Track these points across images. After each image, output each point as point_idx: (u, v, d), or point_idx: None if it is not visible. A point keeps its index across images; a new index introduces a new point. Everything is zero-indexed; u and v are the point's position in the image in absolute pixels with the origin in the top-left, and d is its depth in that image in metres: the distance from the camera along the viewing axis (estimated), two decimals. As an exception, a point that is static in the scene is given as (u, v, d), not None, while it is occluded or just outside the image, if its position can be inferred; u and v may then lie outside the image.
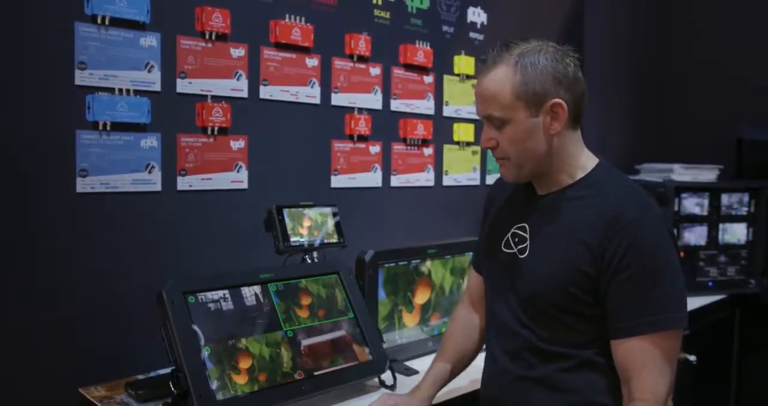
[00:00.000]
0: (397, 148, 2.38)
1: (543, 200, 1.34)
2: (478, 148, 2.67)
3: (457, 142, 2.58)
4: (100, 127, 1.63)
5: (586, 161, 1.33)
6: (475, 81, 2.61)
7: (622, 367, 1.21)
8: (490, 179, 2.67)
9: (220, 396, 1.36)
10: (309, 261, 1.81)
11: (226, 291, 1.49)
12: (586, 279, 1.22)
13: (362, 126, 2.22)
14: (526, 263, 1.31)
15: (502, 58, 1.26)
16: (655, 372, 1.18)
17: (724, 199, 2.93)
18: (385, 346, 1.71)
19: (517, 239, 1.35)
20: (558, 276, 1.25)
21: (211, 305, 1.45)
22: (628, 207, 1.23)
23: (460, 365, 1.54)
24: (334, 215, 1.85)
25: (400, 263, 1.87)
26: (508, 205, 1.43)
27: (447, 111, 2.54)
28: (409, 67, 2.39)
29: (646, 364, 1.18)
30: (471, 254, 1.76)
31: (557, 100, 1.23)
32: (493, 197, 1.52)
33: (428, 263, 1.95)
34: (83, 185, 1.62)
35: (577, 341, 1.27)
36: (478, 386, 1.49)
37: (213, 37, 1.83)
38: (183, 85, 1.78)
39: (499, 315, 1.37)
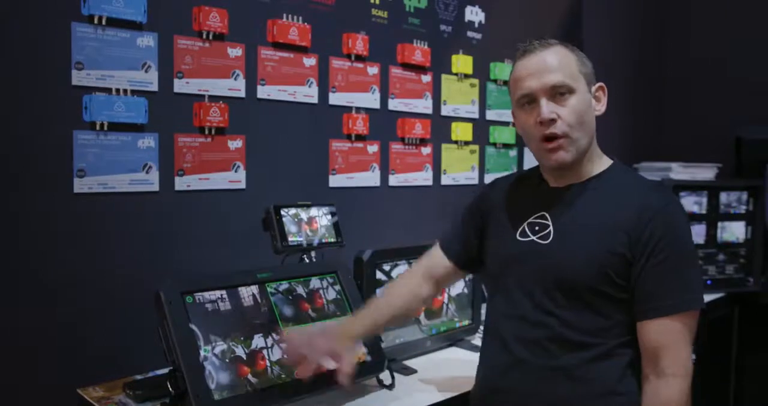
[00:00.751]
0: (396, 147, 2.38)
1: (564, 191, 1.37)
2: (476, 147, 2.67)
3: (455, 142, 2.58)
4: (98, 128, 1.63)
5: (602, 156, 1.41)
6: (474, 80, 2.63)
7: (651, 346, 1.27)
8: (488, 178, 2.67)
9: (217, 396, 1.35)
10: (307, 261, 1.81)
11: (224, 291, 1.49)
12: (622, 262, 1.27)
13: (360, 125, 2.22)
14: (554, 249, 1.33)
15: (549, 44, 1.34)
16: (684, 349, 1.26)
17: (723, 197, 2.93)
18: (383, 345, 1.71)
19: (537, 228, 1.36)
20: (596, 259, 1.28)
21: (209, 305, 1.45)
22: (654, 196, 1.31)
23: (391, 322, 1.55)
24: (332, 214, 1.85)
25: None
26: (516, 201, 1.44)
27: (445, 110, 2.54)
28: (407, 66, 2.39)
29: (677, 342, 1.25)
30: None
31: (601, 84, 1.36)
32: (487, 198, 1.52)
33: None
34: (80, 186, 1.61)
35: (602, 327, 1.29)
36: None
37: (210, 37, 1.83)
38: (180, 85, 1.78)
39: (515, 304, 1.36)
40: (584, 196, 1.35)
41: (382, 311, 1.51)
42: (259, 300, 1.54)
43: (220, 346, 1.42)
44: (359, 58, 2.23)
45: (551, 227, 1.34)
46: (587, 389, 1.29)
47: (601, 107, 1.36)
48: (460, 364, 1.85)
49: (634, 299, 1.28)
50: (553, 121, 1.29)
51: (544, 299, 1.32)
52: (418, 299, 1.55)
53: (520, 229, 1.39)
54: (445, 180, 2.56)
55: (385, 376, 1.67)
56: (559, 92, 1.30)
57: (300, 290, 1.63)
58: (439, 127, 2.52)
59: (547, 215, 1.36)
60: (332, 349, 1.36)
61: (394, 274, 1.85)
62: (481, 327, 1.59)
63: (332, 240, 1.83)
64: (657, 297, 1.26)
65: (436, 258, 1.55)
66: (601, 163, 1.39)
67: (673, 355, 1.25)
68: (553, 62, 1.31)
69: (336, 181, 2.19)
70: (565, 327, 1.30)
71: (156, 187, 1.75)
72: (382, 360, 1.66)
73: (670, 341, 1.25)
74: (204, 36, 1.82)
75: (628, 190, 1.34)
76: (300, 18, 2.04)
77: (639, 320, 1.28)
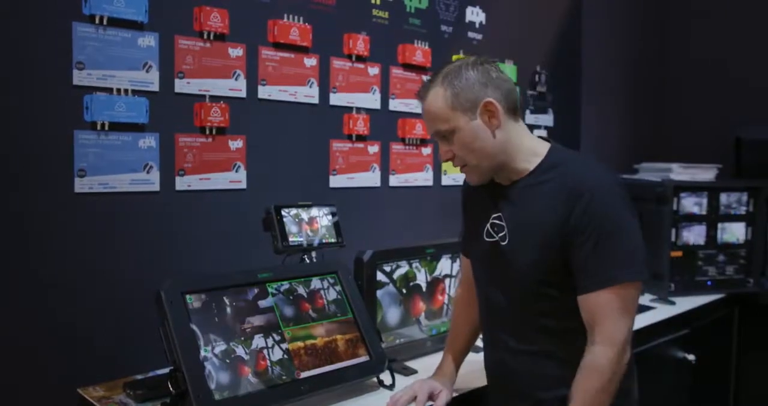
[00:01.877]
0: (396, 147, 2.38)
1: (509, 189, 1.44)
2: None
3: (456, 142, 2.58)
4: (99, 128, 1.63)
5: (537, 147, 1.44)
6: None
7: (586, 318, 1.34)
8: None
9: (218, 396, 1.35)
10: (308, 261, 1.81)
11: (224, 291, 1.49)
12: (558, 253, 1.35)
13: (361, 126, 2.22)
14: (509, 251, 1.42)
15: (432, 82, 1.40)
16: (614, 320, 1.32)
17: (723, 198, 2.93)
18: (383, 346, 1.71)
19: (496, 228, 1.45)
20: (540, 257, 1.37)
21: (210, 305, 1.45)
22: (585, 177, 1.36)
23: (471, 340, 1.68)
24: (333, 214, 1.85)
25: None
26: (481, 197, 1.52)
27: (446, 111, 2.54)
28: (408, 66, 2.39)
29: (607, 314, 1.32)
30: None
31: (488, 99, 1.37)
32: (466, 192, 1.61)
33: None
34: (81, 185, 1.61)
35: (567, 310, 1.37)
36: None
37: (211, 37, 1.83)
38: (181, 85, 1.78)
39: (494, 301, 1.48)
40: (526, 193, 1.41)
41: (458, 345, 1.67)
42: (260, 300, 1.54)
43: (221, 346, 1.42)
44: (360, 58, 2.23)
45: (506, 229, 1.43)
46: (574, 367, 1.36)
47: (495, 122, 1.37)
48: (461, 364, 1.85)
49: (574, 277, 1.35)
50: (450, 158, 1.43)
51: (514, 295, 1.44)
52: (476, 310, 1.63)
53: (485, 230, 1.48)
54: (446, 180, 2.56)
55: (385, 376, 1.67)
56: (442, 135, 1.41)
57: (300, 290, 1.63)
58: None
59: (502, 216, 1.44)
60: (432, 387, 1.58)
61: (395, 276, 1.85)
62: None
63: (333, 240, 1.83)
64: (587, 274, 1.32)
65: (465, 263, 1.66)
66: (536, 154, 1.42)
67: (603, 326, 1.32)
68: (428, 113, 1.41)
69: (336, 181, 2.19)
70: (538, 317, 1.41)
71: (157, 187, 1.75)
72: (382, 360, 1.66)
73: (600, 314, 1.32)
74: (205, 36, 1.82)
75: (560, 180, 1.37)
76: (301, 18, 2.04)
77: (578, 295, 1.35)
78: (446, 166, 2.55)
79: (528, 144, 1.43)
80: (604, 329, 1.32)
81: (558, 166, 1.39)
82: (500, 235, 1.44)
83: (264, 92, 1.97)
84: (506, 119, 1.39)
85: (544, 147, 1.44)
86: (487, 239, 1.47)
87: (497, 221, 1.45)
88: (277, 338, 1.51)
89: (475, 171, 1.42)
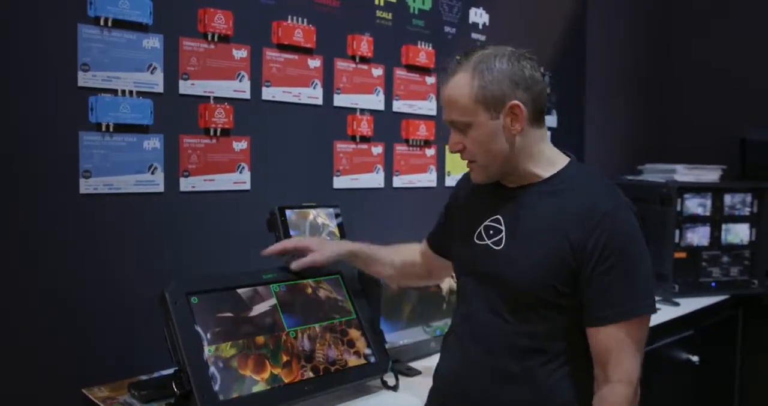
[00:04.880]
0: (400, 149, 2.38)
1: (515, 193, 1.37)
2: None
3: (460, 143, 2.58)
4: (103, 129, 1.64)
5: (555, 158, 1.37)
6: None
7: (599, 351, 1.27)
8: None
9: (222, 397, 1.36)
10: (311, 262, 1.81)
11: (229, 292, 1.50)
12: (567, 271, 1.27)
13: (364, 127, 2.23)
14: (504, 255, 1.34)
15: (461, 65, 1.30)
16: (631, 356, 1.26)
17: (727, 199, 2.92)
18: (387, 346, 1.71)
19: (491, 232, 1.38)
20: (541, 268, 1.28)
21: (214, 306, 1.45)
22: (601, 200, 1.28)
23: (378, 266, 1.66)
24: (337, 216, 1.86)
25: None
26: (477, 198, 1.45)
27: (449, 112, 2.54)
28: (411, 68, 2.39)
29: (623, 349, 1.25)
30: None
31: (515, 101, 1.28)
32: (462, 188, 1.55)
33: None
34: (86, 186, 1.62)
35: (551, 332, 1.31)
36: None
37: (215, 39, 1.84)
38: (186, 87, 1.79)
39: (473, 308, 1.40)
40: (534, 200, 1.34)
41: (372, 248, 1.65)
42: (264, 301, 1.54)
43: (225, 346, 1.42)
44: (364, 59, 2.23)
45: (503, 233, 1.35)
46: (532, 394, 1.30)
47: (518, 127, 1.29)
48: (464, 365, 1.85)
49: (583, 306, 1.28)
50: (459, 151, 1.35)
51: (495, 303, 1.35)
52: (411, 266, 1.65)
53: (477, 232, 1.40)
54: (450, 182, 2.56)
55: (389, 377, 1.67)
56: (457, 127, 1.33)
57: (304, 291, 1.63)
58: (443, 128, 2.50)
59: (501, 219, 1.37)
60: (307, 245, 1.59)
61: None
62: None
63: (336, 241, 1.83)
64: (604, 306, 1.26)
65: (424, 250, 1.66)
66: (553, 165, 1.36)
67: (620, 363, 1.25)
68: (449, 98, 1.31)
69: (340, 182, 2.19)
70: (516, 333, 1.32)
71: (161, 188, 1.76)
72: (386, 361, 1.66)
73: (616, 348, 1.26)
74: (209, 38, 1.83)
75: (577, 194, 1.30)
76: (305, 20, 2.05)
77: (588, 326, 1.29)
78: (450, 167, 2.55)
79: (547, 153, 1.36)
80: (622, 368, 1.25)
81: (575, 180, 1.33)
82: (494, 239, 1.36)
83: (268, 94, 1.97)
84: (529, 125, 1.31)
85: (563, 159, 1.37)
86: (477, 242, 1.39)
87: (493, 224, 1.37)
88: (281, 338, 1.52)
89: (482, 171, 1.35)
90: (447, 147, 1.44)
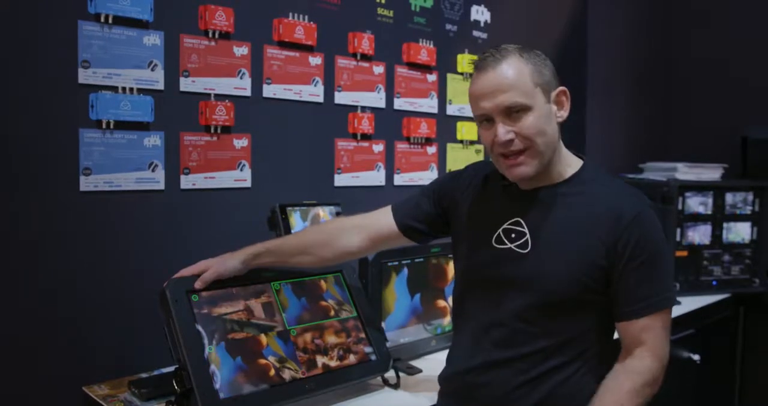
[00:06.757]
0: (401, 146, 2.37)
1: (534, 195, 1.36)
2: (481, 147, 2.66)
3: (461, 141, 2.58)
4: (104, 126, 1.63)
5: (571, 158, 1.40)
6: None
7: (630, 343, 1.33)
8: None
9: (222, 395, 1.35)
10: (312, 260, 1.80)
11: (229, 290, 1.49)
12: (600, 271, 1.30)
13: (365, 125, 2.22)
14: (533, 259, 1.33)
15: (506, 53, 1.29)
16: (663, 340, 1.33)
17: (729, 198, 2.92)
18: (388, 345, 1.71)
19: (513, 235, 1.36)
20: (576, 271, 1.30)
21: (215, 304, 1.45)
22: (628, 202, 1.32)
23: (294, 255, 1.55)
24: (338, 213, 1.85)
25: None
26: (486, 200, 1.43)
27: (450, 110, 2.54)
28: (413, 65, 2.39)
29: (657, 334, 1.32)
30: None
31: (563, 88, 1.32)
32: (450, 188, 1.51)
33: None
34: (87, 184, 1.62)
35: (578, 331, 1.33)
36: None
37: (216, 36, 1.83)
38: (186, 84, 1.78)
39: (489, 312, 1.37)
40: (557, 202, 1.34)
41: (277, 242, 1.56)
42: (265, 299, 1.54)
43: (226, 344, 1.42)
44: (365, 57, 2.22)
45: (528, 235, 1.34)
46: (558, 391, 1.31)
47: (563, 113, 1.32)
48: (465, 364, 1.85)
49: (615, 302, 1.32)
50: (510, 141, 1.28)
51: (520, 307, 1.33)
52: (338, 246, 1.53)
53: (495, 235, 1.38)
54: (450, 179, 2.55)
55: (390, 375, 1.67)
56: (514, 111, 1.27)
57: (305, 289, 1.63)
58: (445, 126, 2.52)
59: (522, 222, 1.35)
60: (207, 265, 1.46)
61: (400, 274, 1.85)
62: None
63: (337, 239, 1.83)
64: (636, 299, 1.30)
65: (383, 219, 1.54)
66: (571, 165, 1.38)
67: (654, 344, 1.31)
68: (506, 81, 1.26)
69: (341, 180, 2.19)
70: (540, 333, 1.32)
71: (162, 186, 1.75)
72: (387, 360, 1.66)
73: (651, 335, 1.31)
74: (210, 35, 1.82)
75: (601, 195, 1.34)
76: (306, 17, 2.04)
77: (620, 320, 1.33)
78: (451, 165, 2.54)
79: (564, 152, 1.38)
80: (653, 346, 1.31)
81: (591, 182, 1.36)
82: (518, 242, 1.34)
83: (269, 91, 1.97)
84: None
85: (577, 160, 1.40)
86: (497, 245, 1.37)
87: (514, 226, 1.36)
88: (282, 336, 1.51)
89: (536, 159, 1.29)
90: (479, 146, 1.40)
